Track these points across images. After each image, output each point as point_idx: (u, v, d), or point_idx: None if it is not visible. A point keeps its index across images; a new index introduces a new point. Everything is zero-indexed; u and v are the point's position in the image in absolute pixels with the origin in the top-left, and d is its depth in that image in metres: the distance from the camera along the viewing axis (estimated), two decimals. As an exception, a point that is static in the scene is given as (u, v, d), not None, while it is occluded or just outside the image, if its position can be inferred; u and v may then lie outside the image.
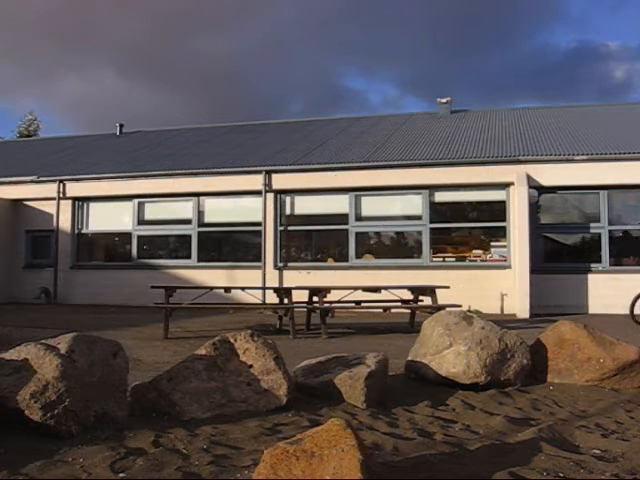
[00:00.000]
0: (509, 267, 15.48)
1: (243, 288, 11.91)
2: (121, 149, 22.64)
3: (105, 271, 18.23)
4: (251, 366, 4.65)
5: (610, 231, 15.58)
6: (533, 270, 14.81)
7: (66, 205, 18.57)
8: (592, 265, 15.39)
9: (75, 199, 18.61)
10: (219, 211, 17.87)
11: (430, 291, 11.46)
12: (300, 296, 11.54)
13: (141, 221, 18.29)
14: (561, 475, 3.31)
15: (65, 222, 18.52)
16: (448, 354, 5.50)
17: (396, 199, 16.74)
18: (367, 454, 2.93)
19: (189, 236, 17.82)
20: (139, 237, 18.33)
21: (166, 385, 4.48)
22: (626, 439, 4.09)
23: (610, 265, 15.40)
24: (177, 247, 18.67)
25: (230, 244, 18.60)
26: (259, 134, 22.53)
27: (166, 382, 4.50)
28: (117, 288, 17.36)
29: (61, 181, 18.48)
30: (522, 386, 5.54)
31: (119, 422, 4.10)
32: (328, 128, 21.96)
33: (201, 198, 17.75)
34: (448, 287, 11.70)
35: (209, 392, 4.48)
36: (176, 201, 18.11)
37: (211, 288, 11.57)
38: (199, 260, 17.58)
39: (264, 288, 14.83)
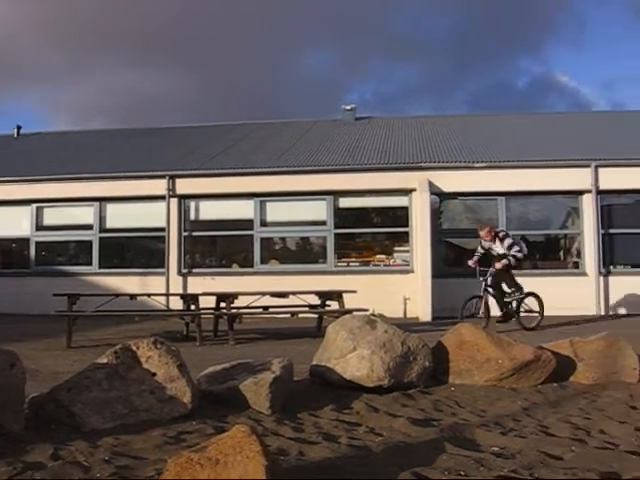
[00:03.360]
0: (412, 271, 15.79)
1: (149, 295, 11.71)
2: (19, 152, 21.82)
3: (1, 279, 17.54)
4: (154, 374, 4.56)
5: (508, 236, 16.10)
6: (435, 274, 15.15)
7: (-40, 210, 17.80)
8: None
9: (-32, 204, 17.87)
10: (122, 216, 17.48)
11: (337, 296, 11.57)
12: (207, 302, 11.45)
13: (40, 227, 17.70)
14: (462, 473, 3.40)
15: (-41, 228, 17.75)
16: (352, 358, 5.55)
17: (301, 205, 16.83)
18: (272, 459, 2.93)
19: (90, 242, 17.38)
20: (37, 243, 17.74)
21: (65, 396, 4.34)
22: (523, 436, 4.24)
23: (508, 269, 15.91)
24: (78, 253, 18.18)
25: (133, 250, 18.28)
26: (163, 138, 22.18)
27: (65, 393, 4.36)
28: (15, 296, 16.67)
29: (-46, 185, 17.70)
30: (425, 388, 5.64)
31: (16, 435, 3.95)
32: (232, 133, 21.83)
33: (103, 203, 17.34)
34: (355, 292, 11.83)
35: (111, 402, 4.37)
36: (77, 206, 17.64)
37: (116, 295, 11.33)
38: (100, 267, 17.17)
39: (170, 294, 14.62)
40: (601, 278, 15.51)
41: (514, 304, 12.56)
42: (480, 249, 12.87)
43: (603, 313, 15.10)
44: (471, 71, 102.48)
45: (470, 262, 12.69)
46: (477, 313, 12.34)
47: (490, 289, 12.52)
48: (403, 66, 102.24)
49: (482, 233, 12.68)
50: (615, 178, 15.50)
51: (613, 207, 16.00)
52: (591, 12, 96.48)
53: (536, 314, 12.62)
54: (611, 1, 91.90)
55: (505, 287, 12.59)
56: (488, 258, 12.69)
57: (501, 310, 12.52)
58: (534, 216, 16.83)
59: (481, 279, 12.47)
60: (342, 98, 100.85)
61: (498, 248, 12.52)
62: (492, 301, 12.57)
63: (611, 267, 15.83)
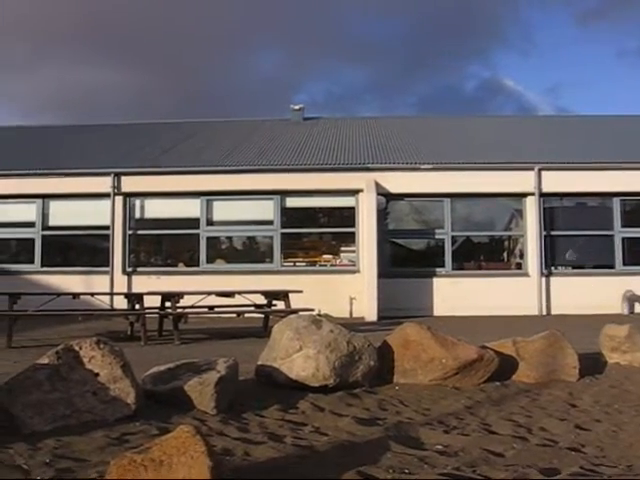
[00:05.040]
0: (358, 271, 15.86)
1: (93, 294, 11.51)
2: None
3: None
4: (97, 374, 4.48)
5: (453, 237, 16.36)
6: (381, 274, 15.25)
7: None
8: (437, 269, 16.08)
9: None
10: (65, 214, 17.14)
11: (283, 295, 11.55)
12: (152, 302, 11.31)
13: (-20, 224, 17.27)
14: (406, 471, 3.43)
15: None
16: (298, 358, 5.55)
17: (248, 204, 16.76)
18: (217, 460, 2.91)
19: (32, 240, 17.00)
20: (-24, 241, 17.30)
21: (5, 398, 4.24)
22: (466, 434, 4.30)
23: (453, 269, 16.15)
24: (20, 251, 17.78)
25: (77, 248, 17.95)
26: (109, 135, 21.79)
27: (5, 394, 4.26)
28: (-49, 295, 16.24)
29: None
30: (370, 387, 5.67)
31: (-48, 438, 3.84)
32: (179, 131, 21.59)
33: (46, 200, 16.98)
34: (301, 291, 11.83)
35: (52, 403, 4.28)
36: (18, 203, 17.22)
37: (58, 294, 11.11)
38: (43, 265, 16.81)
39: (114, 294, 14.41)
40: (543, 279, 15.80)
41: None
42: None
43: (545, 313, 15.38)
44: (420, 74, 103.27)
45: None
46: None
47: None
48: (353, 67, 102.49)
49: None
50: (557, 181, 15.86)
51: (555, 209, 16.34)
52: (536, 19, 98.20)
53: None
54: (556, 9, 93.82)
55: None
56: None
57: None
58: (479, 218, 17.09)
59: None
60: (291, 98, 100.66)
61: None
62: None
63: (552, 268, 16.15)
